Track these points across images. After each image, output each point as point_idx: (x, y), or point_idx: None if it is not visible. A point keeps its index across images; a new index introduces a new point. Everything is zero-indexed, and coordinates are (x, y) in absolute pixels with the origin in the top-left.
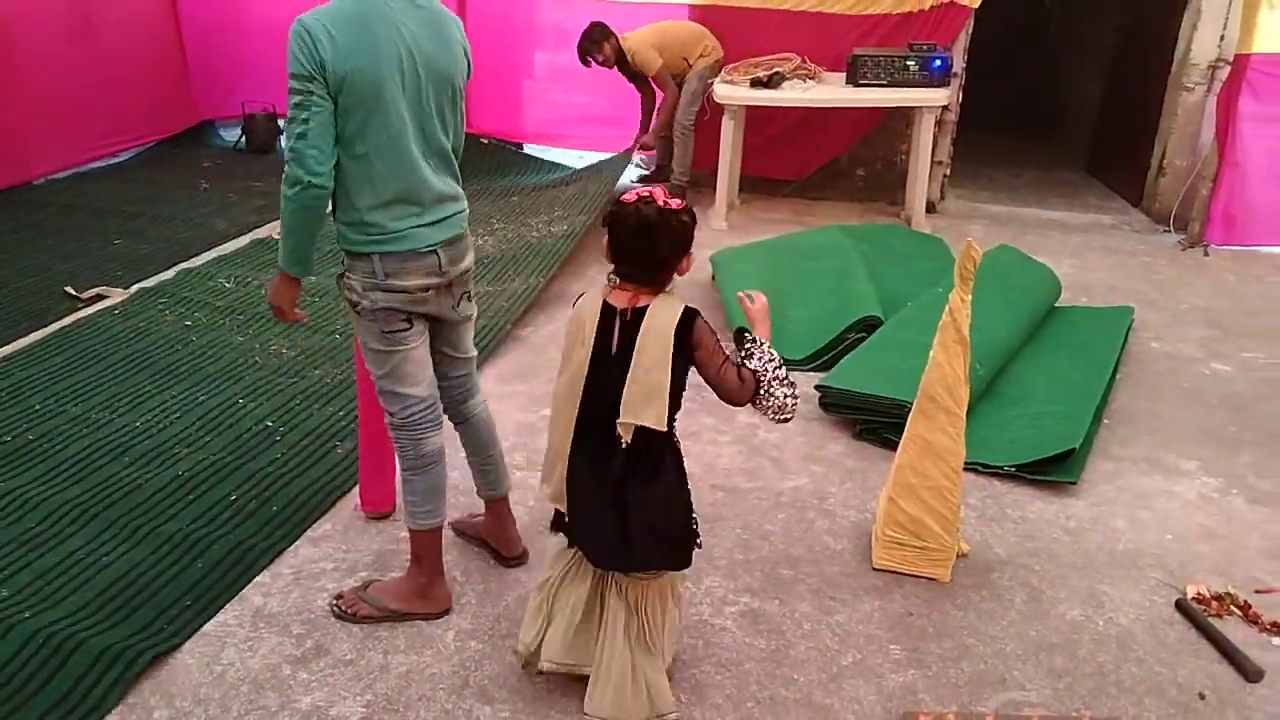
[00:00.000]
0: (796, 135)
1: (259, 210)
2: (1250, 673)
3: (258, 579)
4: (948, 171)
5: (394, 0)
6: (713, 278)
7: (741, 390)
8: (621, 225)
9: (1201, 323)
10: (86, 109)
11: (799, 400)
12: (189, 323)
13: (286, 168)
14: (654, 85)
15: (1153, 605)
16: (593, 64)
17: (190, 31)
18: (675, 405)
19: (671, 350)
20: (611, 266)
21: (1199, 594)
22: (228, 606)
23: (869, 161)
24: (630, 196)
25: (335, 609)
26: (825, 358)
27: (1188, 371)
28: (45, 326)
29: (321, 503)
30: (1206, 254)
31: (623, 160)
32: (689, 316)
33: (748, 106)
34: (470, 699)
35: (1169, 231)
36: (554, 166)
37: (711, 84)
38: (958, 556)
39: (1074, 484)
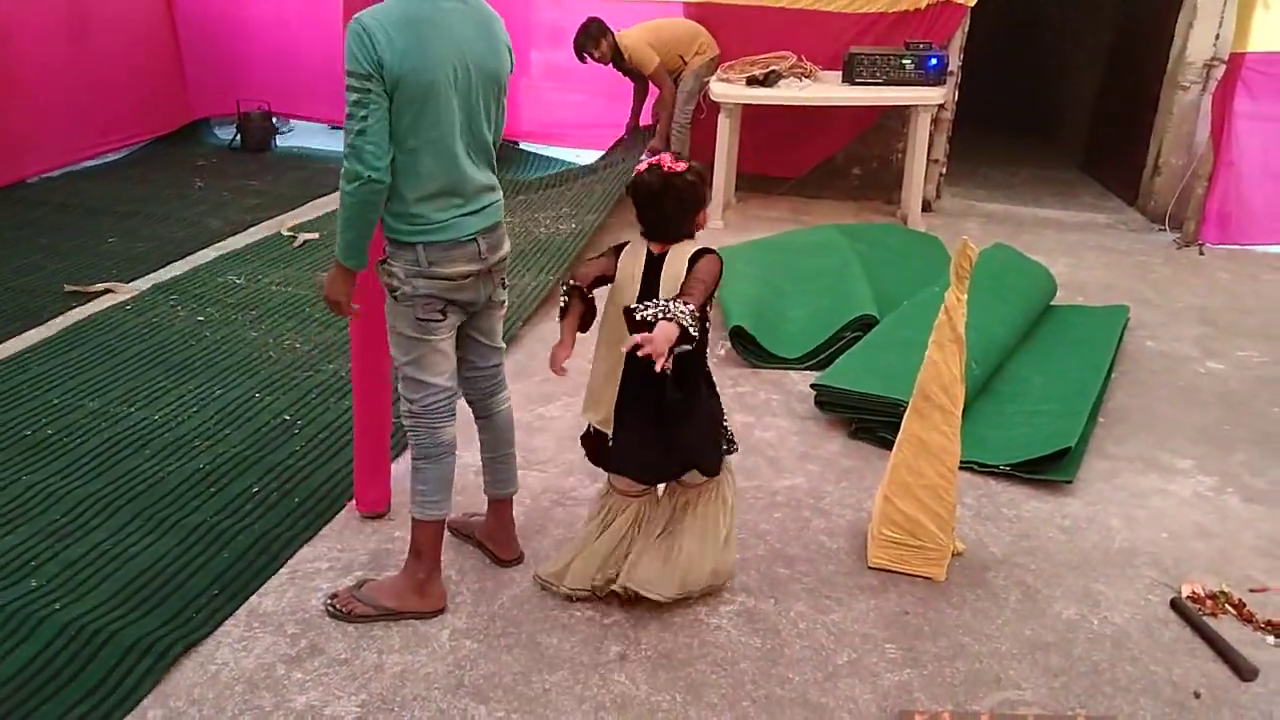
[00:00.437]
0: (793, 134)
1: (253, 209)
2: (1245, 671)
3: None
4: (943, 170)
5: (445, 1)
6: None
7: (701, 292)
8: (636, 193)
9: (1196, 321)
10: (81, 107)
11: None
12: (201, 318)
13: (345, 163)
14: (652, 82)
15: (1148, 604)
16: (589, 60)
17: (185, 29)
18: (702, 332)
19: (684, 279)
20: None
21: (1194, 593)
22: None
23: (865, 160)
24: (642, 166)
25: (330, 608)
26: (821, 356)
27: (1183, 370)
28: (41, 325)
29: (343, 494)
30: (1202, 253)
31: (630, 164)
32: (699, 252)
33: (744, 105)
34: (465, 698)
35: (1164, 230)
36: (550, 162)
37: (707, 82)
38: (953, 555)
39: (1069, 483)
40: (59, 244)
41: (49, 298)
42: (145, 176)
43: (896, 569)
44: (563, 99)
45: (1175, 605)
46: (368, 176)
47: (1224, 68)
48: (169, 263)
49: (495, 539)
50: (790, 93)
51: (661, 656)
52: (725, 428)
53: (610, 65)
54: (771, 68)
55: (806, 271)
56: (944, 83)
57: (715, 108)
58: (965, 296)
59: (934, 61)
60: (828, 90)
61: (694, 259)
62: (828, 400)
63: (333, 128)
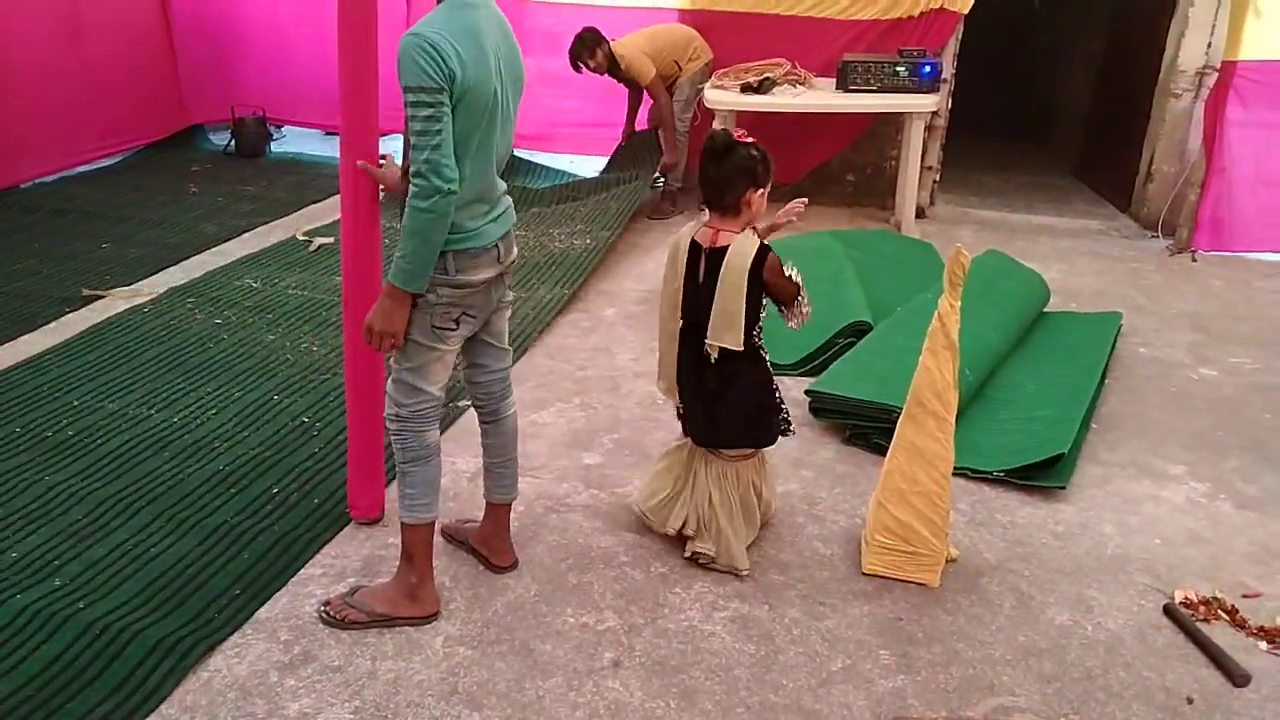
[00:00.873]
0: (787, 140)
1: (248, 214)
2: (1237, 677)
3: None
4: (937, 177)
5: (482, 8)
6: None
7: (790, 289)
8: (702, 153)
9: (1189, 328)
10: (75, 112)
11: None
12: (219, 321)
13: (420, 180)
14: (648, 94)
15: (1141, 610)
16: (584, 70)
17: (180, 35)
18: (754, 320)
19: (746, 283)
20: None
21: (1187, 599)
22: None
23: (859, 167)
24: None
25: (323, 615)
26: (815, 363)
27: (1175, 377)
28: (35, 331)
29: None
30: (1194, 260)
31: (644, 182)
32: (762, 253)
33: (738, 112)
34: (459, 705)
35: (1157, 237)
36: (544, 170)
37: (702, 88)
38: (947, 562)
39: (1063, 489)
40: (53, 249)
41: (43, 303)
42: (140, 182)
43: (890, 575)
44: (559, 105)
45: (1168, 611)
46: (447, 190)
47: (1216, 75)
48: (164, 268)
49: (490, 545)
50: (784, 100)
51: (655, 663)
52: (781, 404)
53: (606, 75)
54: (766, 75)
55: (800, 278)
56: (938, 90)
57: (710, 115)
58: (959, 303)
59: (928, 69)
60: (822, 97)
61: (757, 263)
62: (822, 406)
63: (327, 133)
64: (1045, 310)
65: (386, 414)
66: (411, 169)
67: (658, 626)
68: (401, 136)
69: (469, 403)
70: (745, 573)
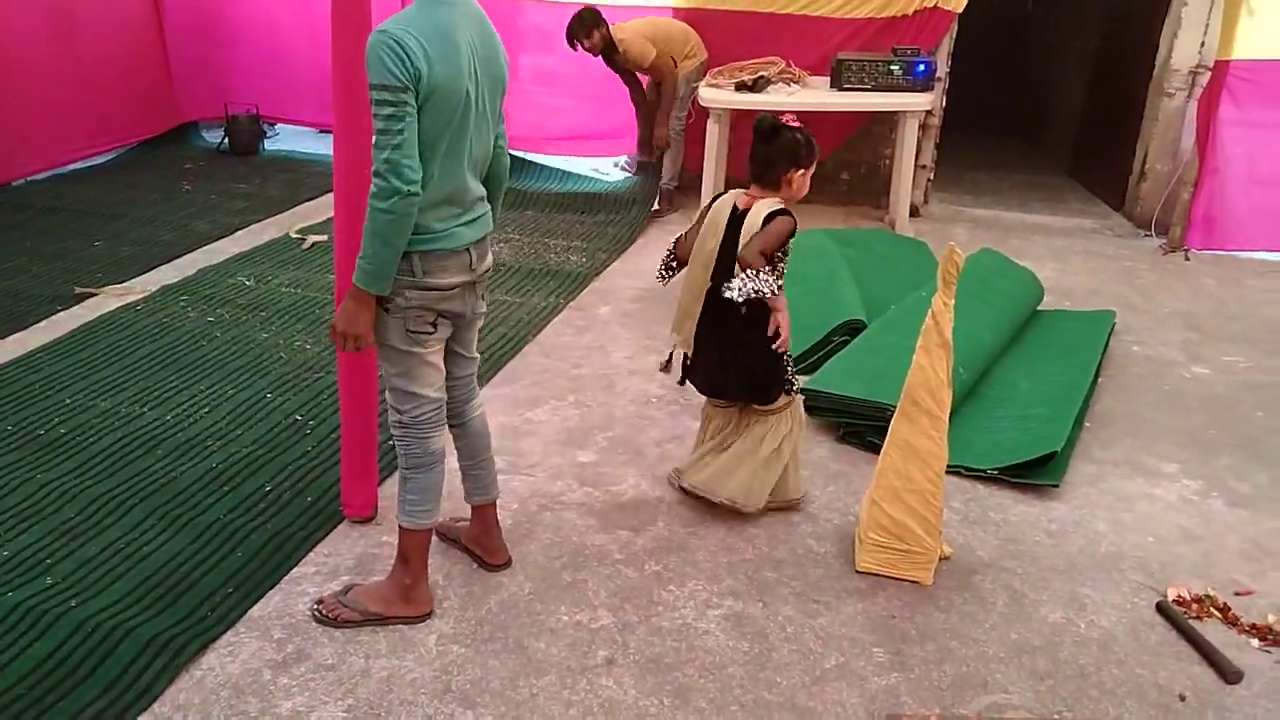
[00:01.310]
0: None
1: (241, 212)
2: (1229, 674)
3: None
4: (931, 176)
5: (459, 5)
6: None
7: (753, 257)
8: (753, 133)
9: (1182, 327)
10: (67, 110)
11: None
12: (211, 319)
13: (379, 180)
14: (651, 76)
15: (1134, 607)
16: (579, 48)
17: (173, 32)
18: (773, 263)
19: (761, 224)
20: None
21: (1179, 596)
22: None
23: (853, 165)
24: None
25: (316, 613)
26: (809, 361)
27: (1169, 375)
28: (25, 330)
29: None
30: (1187, 258)
31: (649, 198)
32: (776, 210)
33: (733, 110)
34: (452, 703)
35: (1150, 236)
36: (539, 169)
37: (697, 87)
38: (940, 559)
39: (1056, 487)
40: (45, 247)
41: (35, 301)
42: (132, 180)
43: (884, 573)
44: (553, 104)
45: (1161, 609)
46: (406, 191)
47: (1209, 75)
48: (155, 266)
49: (482, 544)
50: (778, 98)
51: (649, 661)
52: (787, 370)
53: (599, 57)
54: (760, 73)
55: (794, 276)
56: (932, 88)
57: (704, 113)
58: (952, 301)
59: (922, 67)
60: (816, 96)
61: (769, 218)
62: (815, 405)
63: (320, 131)
64: (1039, 309)
65: (390, 420)
66: (372, 168)
67: (651, 624)
68: None
69: None
70: (749, 511)
